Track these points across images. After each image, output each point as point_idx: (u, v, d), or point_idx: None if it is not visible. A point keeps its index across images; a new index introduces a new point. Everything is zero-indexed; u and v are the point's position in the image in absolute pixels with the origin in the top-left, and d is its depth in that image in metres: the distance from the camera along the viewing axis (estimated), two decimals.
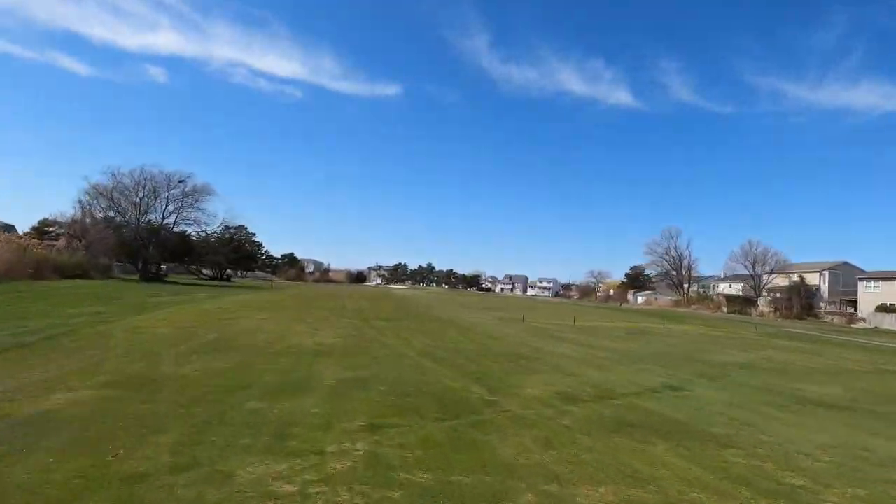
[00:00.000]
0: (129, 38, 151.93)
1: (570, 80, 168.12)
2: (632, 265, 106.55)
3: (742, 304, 63.46)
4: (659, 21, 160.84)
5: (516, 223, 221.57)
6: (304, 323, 15.71)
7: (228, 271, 73.04)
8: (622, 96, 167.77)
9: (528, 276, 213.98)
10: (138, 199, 38.63)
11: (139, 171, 38.84)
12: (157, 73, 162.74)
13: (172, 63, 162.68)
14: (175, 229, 40.77)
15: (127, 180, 38.26)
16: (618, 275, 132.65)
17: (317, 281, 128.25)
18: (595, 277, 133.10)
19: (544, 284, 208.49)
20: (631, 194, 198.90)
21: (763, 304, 62.60)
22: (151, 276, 39.15)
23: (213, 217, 42.05)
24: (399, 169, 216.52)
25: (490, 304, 44.07)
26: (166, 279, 40.52)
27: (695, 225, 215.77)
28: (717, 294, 69.62)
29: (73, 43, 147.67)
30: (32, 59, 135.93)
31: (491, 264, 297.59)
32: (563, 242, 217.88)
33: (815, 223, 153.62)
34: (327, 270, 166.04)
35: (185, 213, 40.51)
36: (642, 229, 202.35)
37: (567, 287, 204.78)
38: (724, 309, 63.57)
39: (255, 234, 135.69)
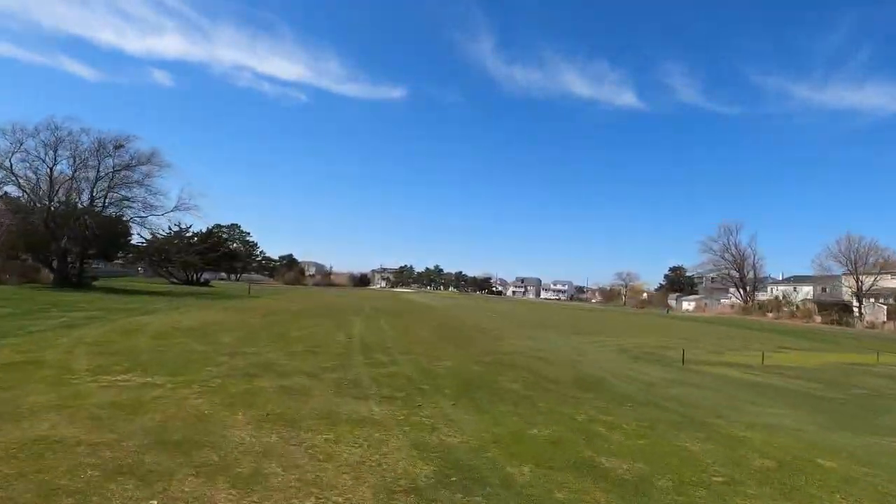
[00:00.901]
0: (135, 42, 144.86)
1: (575, 81, 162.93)
2: (671, 266, 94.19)
3: (840, 311, 51.16)
4: (664, 22, 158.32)
5: (520, 224, 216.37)
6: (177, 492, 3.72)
7: (206, 275, 61.30)
8: (627, 97, 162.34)
9: (540, 278, 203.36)
10: (49, 170, 26.70)
11: (50, 125, 26.80)
12: (162, 77, 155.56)
13: (177, 67, 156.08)
14: (110, 214, 28.65)
15: (32, 142, 26.39)
16: (646, 277, 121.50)
17: (317, 284, 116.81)
18: (623, 279, 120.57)
19: (559, 287, 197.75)
20: (636, 195, 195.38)
21: (869, 312, 50.28)
22: (73, 279, 27.32)
23: (162, 198, 29.91)
24: (403, 171, 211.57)
25: (552, 319, 32.16)
26: (94, 284, 28.53)
27: (704, 226, 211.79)
28: (804, 299, 57.15)
29: (79, 47, 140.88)
30: (37, 63, 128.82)
31: (497, 266, 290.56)
32: (570, 244, 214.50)
33: (819, 224, 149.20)
34: (329, 273, 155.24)
35: (123, 192, 28.53)
36: (646, 231, 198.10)
37: (581, 290, 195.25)
38: (818, 318, 51.28)
39: (248, 233, 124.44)
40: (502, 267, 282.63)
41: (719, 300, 79.40)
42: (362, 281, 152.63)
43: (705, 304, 75.94)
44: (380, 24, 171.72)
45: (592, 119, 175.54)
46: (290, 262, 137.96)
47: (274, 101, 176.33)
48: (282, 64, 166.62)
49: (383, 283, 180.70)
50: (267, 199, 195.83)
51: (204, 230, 55.14)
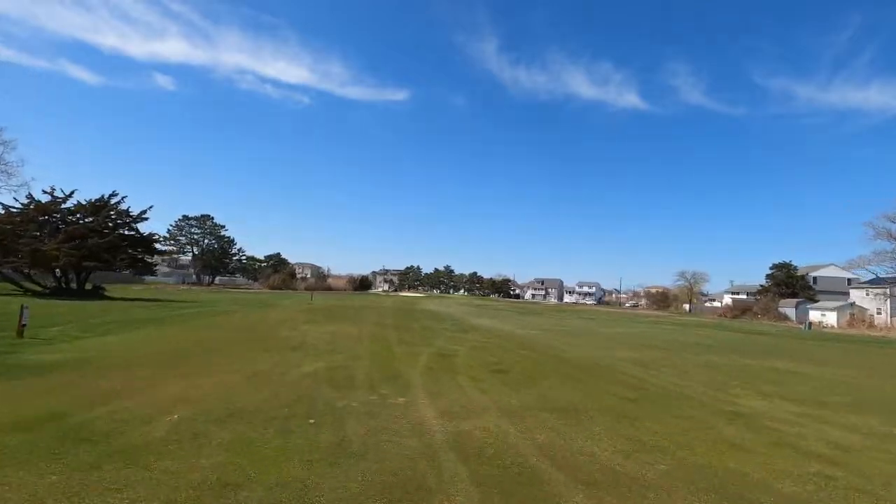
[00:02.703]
0: (137, 46, 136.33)
1: (579, 82, 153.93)
2: (773, 263, 70.69)
3: None
4: (668, 24, 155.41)
5: (522, 224, 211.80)
6: None
7: (101, 281, 37.96)
8: (631, 98, 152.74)
9: (562, 279, 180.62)
10: None
11: None
12: (165, 81, 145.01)
13: (180, 70, 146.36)
14: None
15: None
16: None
17: (310, 288, 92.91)
18: (689, 280, 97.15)
19: (585, 290, 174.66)
20: (639, 196, 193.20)
21: None
22: None
23: None
24: (406, 171, 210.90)
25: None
26: None
27: (713, 231, 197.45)
28: None
29: (81, 51, 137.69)
30: (40, 68, 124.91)
31: (505, 266, 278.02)
32: (577, 244, 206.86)
33: (827, 225, 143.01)
34: (325, 276, 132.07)
35: None
36: (647, 231, 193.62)
37: (606, 293, 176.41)
38: None
39: (224, 227, 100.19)
40: (512, 267, 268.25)
41: (854, 304, 56.45)
42: (362, 284, 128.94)
43: (869, 315, 52.44)
44: (384, 27, 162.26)
45: (597, 120, 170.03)
46: (277, 262, 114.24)
47: (277, 104, 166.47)
48: (285, 67, 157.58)
49: (386, 287, 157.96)
50: (268, 200, 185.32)
51: (93, 199, 31.57)
